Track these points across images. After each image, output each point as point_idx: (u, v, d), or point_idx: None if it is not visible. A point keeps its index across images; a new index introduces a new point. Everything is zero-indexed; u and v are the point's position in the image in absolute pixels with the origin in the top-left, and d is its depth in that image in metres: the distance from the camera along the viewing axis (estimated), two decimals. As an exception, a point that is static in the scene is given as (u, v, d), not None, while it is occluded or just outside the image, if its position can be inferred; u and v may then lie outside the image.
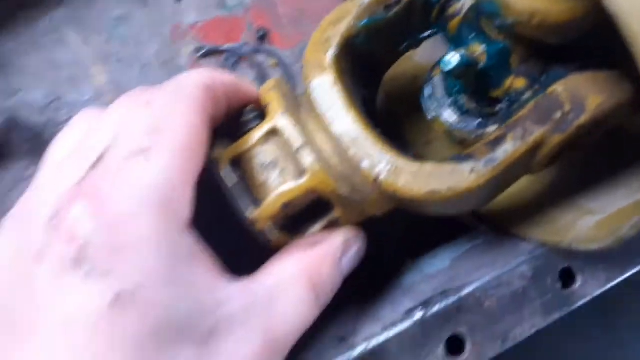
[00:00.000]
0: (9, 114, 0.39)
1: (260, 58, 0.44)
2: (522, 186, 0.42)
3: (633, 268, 0.39)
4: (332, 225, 0.34)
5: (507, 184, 0.35)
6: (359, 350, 0.35)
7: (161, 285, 0.26)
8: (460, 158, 0.32)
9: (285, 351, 0.31)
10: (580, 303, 0.39)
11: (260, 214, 0.31)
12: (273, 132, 0.32)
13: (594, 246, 0.35)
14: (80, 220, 0.25)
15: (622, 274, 0.40)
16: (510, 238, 0.40)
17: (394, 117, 0.47)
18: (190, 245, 0.28)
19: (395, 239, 0.44)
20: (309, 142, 0.32)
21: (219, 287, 0.29)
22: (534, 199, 0.41)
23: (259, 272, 0.32)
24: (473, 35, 0.35)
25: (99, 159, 0.27)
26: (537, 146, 0.31)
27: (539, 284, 0.38)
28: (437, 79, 0.39)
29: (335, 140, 0.31)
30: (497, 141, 0.32)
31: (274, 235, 0.32)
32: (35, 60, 0.42)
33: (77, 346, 0.24)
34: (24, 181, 0.40)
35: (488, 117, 0.37)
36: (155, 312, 0.26)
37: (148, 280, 0.26)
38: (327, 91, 0.32)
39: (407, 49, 0.40)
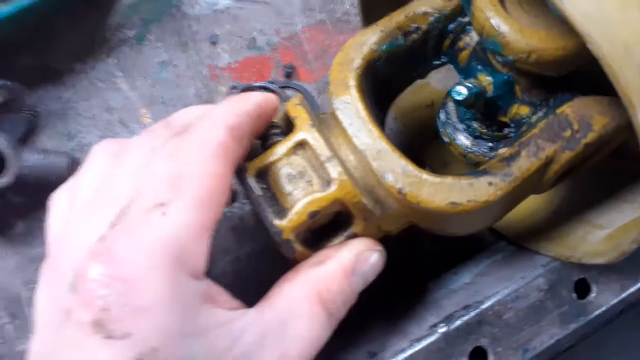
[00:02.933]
0: (70, 156, 0.42)
1: (289, 92, 0.46)
2: (536, 204, 0.43)
3: (647, 277, 0.40)
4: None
5: (518, 201, 0.36)
6: (388, 364, 0.37)
7: (179, 341, 0.26)
8: (478, 173, 0.32)
9: None
10: (596, 313, 0.40)
11: (287, 223, 0.31)
12: (301, 145, 0.32)
13: (600, 260, 0.35)
14: (97, 283, 0.25)
15: (636, 283, 0.40)
16: (527, 252, 0.41)
17: (411, 141, 0.48)
18: (204, 290, 0.28)
19: (420, 258, 0.44)
20: (336, 154, 0.32)
21: (233, 324, 0.28)
22: (547, 216, 0.42)
23: (270, 295, 0.31)
24: (480, 67, 0.36)
25: (119, 215, 0.27)
26: (548, 162, 0.32)
27: (555, 295, 0.39)
28: (451, 105, 0.40)
29: (359, 154, 0.32)
30: (512, 157, 0.32)
31: (297, 247, 0.32)
32: (90, 105, 0.44)
33: None
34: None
35: (499, 141, 0.38)
36: None
37: (166, 338, 0.26)
38: (351, 107, 0.32)
39: (418, 76, 0.41)
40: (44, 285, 0.29)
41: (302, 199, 0.31)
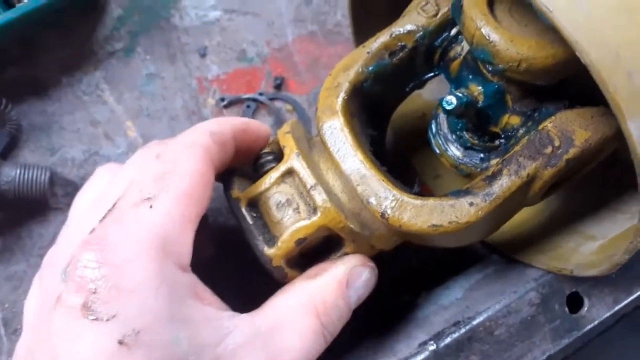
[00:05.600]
0: (52, 170, 0.40)
1: (278, 104, 0.45)
2: (528, 215, 0.41)
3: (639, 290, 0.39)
4: None
5: (507, 216, 0.35)
6: (376, 383, 0.35)
7: (163, 325, 0.26)
8: (459, 193, 0.32)
9: None
10: (588, 327, 0.38)
11: (276, 251, 0.32)
12: (289, 173, 0.33)
13: (593, 272, 0.34)
14: (87, 268, 0.26)
15: (629, 295, 0.39)
16: (519, 265, 0.40)
17: (404, 154, 0.47)
18: (190, 284, 0.28)
19: (410, 271, 0.43)
20: (321, 181, 0.32)
21: (221, 321, 0.28)
22: (538, 227, 0.41)
23: (263, 305, 0.31)
24: (471, 76, 0.35)
25: (110, 210, 0.28)
26: (530, 180, 0.31)
27: (547, 309, 0.38)
28: (442, 117, 0.39)
29: (344, 179, 0.32)
30: (494, 176, 0.32)
31: (288, 272, 0.33)
32: (75, 119, 0.43)
33: None
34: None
35: (490, 151, 0.37)
36: (159, 351, 0.26)
37: (150, 321, 0.26)
38: (336, 133, 0.33)
39: (412, 90, 0.40)
40: (35, 286, 0.30)
41: (290, 227, 0.32)
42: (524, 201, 0.33)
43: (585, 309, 0.38)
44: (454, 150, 0.39)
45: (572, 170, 0.32)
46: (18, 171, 0.39)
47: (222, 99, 0.45)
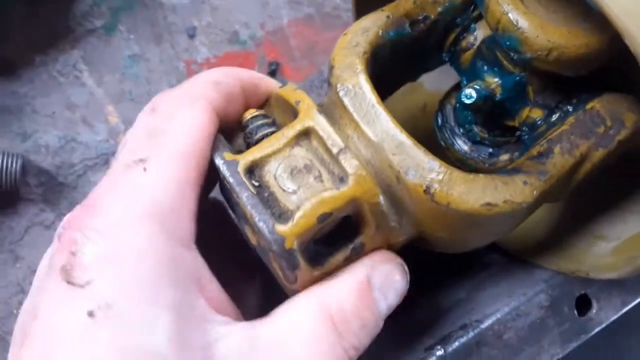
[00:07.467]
0: (23, 158, 0.36)
1: (272, 90, 0.43)
2: (535, 215, 0.40)
3: (648, 291, 0.38)
4: (356, 255, 0.27)
5: (534, 209, 0.32)
6: (382, 390, 0.33)
7: (139, 304, 0.23)
8: (509, 171, 0.28)
9: None
10: (596, 330, 0.37)
11: (292, 227, 0.25)
12: (305, 134, 0.27)
13: (612, 275, 0.32)
14: (73, 229, 0.24)
15: (637, 297, 0.37)
16: (524, 265, 0.38)
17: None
18: (191, 265, 0.25)
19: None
20: (349, 145, 0.27)
21: (213, 324, 0.24)
22: (546, 226, 0.39)
23: (268, 314, 0.26)
24: (487, 67, 0.32)
25: (107, 172, 0.26)
26: (581, 160, 0.29)
27: (557, 312, 0.36)
28: (449, 109, 0.36)
29: (374, 147, 0.27)
30: (544, 155, 0.29)
31: (301, 261, 0.26)
32: (50, 102, 0.39)
33: (58, 358, 0.22)
34: (36, 226, 0.38)
35: (500, 146, 0.35)
36: (127, 334, 0.23)
37: (125, 296, 0.23)
38: (361, 94, 0.28)
39: (411, 78, 0.37)
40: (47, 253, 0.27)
41: (310, 198, 0.26)
42: (561, 191, 0.31)
43: (594, 311, 0.37)
44: (461, 145, 0.37)
45: (613, 156, 0.30)
46: (-14, 159, 0.35)
47: (213, 84, 0.41)
